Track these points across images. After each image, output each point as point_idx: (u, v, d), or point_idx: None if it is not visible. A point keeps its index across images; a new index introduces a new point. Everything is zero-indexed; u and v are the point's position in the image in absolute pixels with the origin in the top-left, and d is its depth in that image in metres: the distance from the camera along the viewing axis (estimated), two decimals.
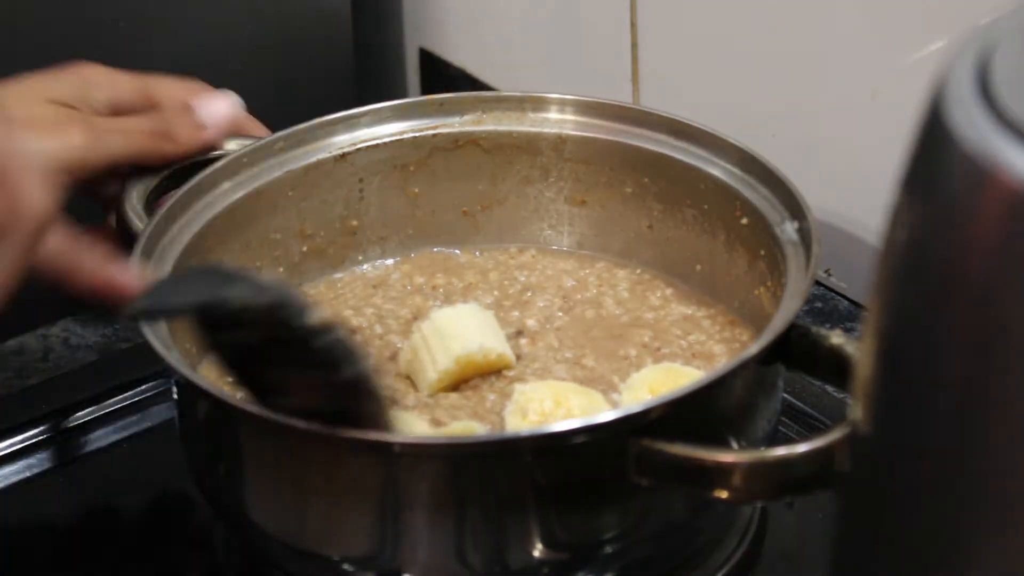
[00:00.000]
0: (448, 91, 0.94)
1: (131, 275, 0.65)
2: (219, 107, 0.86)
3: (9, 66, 1.01)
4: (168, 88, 0.86)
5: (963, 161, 0.42)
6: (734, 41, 0.98)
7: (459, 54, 1.23)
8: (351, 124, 0.89)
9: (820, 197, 0.94)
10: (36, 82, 0.83)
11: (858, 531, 0.50)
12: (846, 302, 0.97)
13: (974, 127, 0.42)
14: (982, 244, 0.42)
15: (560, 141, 0.89)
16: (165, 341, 0.72)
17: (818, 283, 0.98)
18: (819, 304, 0.97)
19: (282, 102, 1.08)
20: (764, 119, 0.97)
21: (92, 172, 0.81)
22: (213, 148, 0.85)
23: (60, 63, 1.03)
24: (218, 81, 1.09)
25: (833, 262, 0.97)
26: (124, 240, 0.81)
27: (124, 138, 0.82)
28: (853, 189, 0.93)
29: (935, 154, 0.43)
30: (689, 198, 0.86)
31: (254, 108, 0.98)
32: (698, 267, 0.87)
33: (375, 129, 0.89)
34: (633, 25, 1.04)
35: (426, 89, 1.27)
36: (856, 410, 0.50)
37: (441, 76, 1.25)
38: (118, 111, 0.85)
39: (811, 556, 0.78)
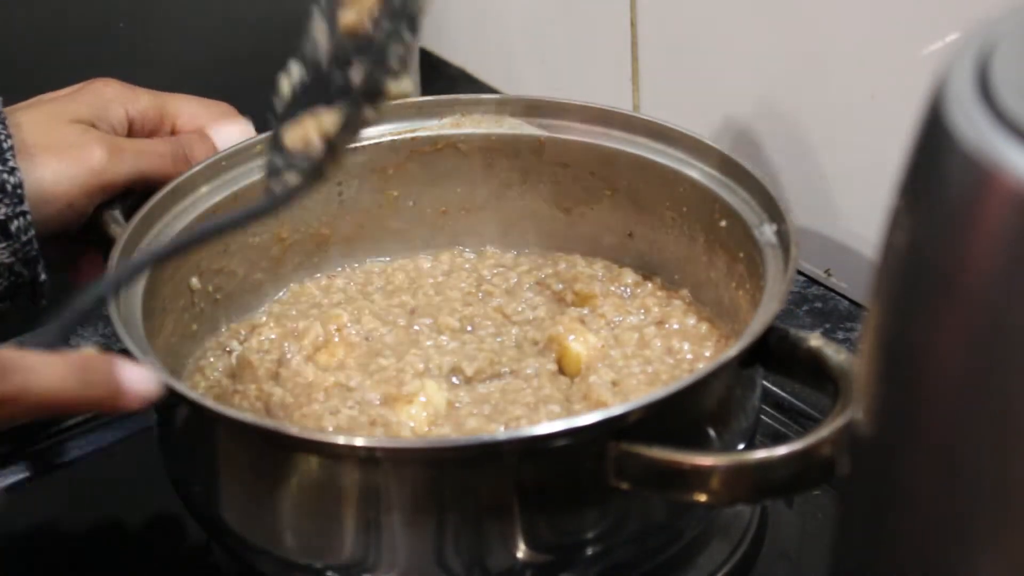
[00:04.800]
0: (448, 91, 0.94)
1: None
2: (234, 133, 0.87)
3: (8, 66, 1.01)
4: (185, 106, 0.87)
5: (963, 161, 0.42)
6: (734, 41, 0.98)
7: (459, 54, 1.23)
8: None
9: (820, 197, 0.94)
10: (55, 104, 0.84)
11: (858, 532, 0.50)
12: (846, 302, 0.97)
13: (974, 127, 0.42)
14: (982, 244, 0.42)
15: (539, 144, 0.89)
16: (142, 346, 0.72)
17: (818, 283, 0.98)
18: (819, 304, 0.97)
19: None
20: (763, 119, 0.97)
21: (112, 192, 0.82)
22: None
23: (59, 63, 1.03)
24: (218, 81, 1.08)
25: (833, 262, 0.97)
26: (100, 246, 0.81)
27: (144, 159, 0.83)
28: (853, 189, 0.93)
29: (935, 154, 0.43)
30: (668, 201, 0.86)
31: (254, 108, 0.98)
32: (677, 269, 0.87)
33: None
34: (633, 24, 1.04)
35: (426, 89, 1.27)
36: (857, 410, 0.50)
37: (441, 76, 1.24)
38: (136, 127, 0.86)
39: (810, 557, 0.78)
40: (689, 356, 0.81)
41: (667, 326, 0.84)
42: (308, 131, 0.70)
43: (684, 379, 0.70)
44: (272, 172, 0.71)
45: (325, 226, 0.90)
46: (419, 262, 0.92)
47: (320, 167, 0.70)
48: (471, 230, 0.93)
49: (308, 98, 0.70)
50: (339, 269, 0.91)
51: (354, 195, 0.90)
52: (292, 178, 0.70)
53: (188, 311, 0.83)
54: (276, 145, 0.71)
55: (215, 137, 0.86)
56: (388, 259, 0.92)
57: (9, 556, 0.83)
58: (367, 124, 0.69)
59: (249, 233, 0.87)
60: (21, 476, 0.87)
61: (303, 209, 0.89)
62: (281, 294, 0.89)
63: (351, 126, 0.68)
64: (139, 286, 0.77)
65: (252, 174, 0.86)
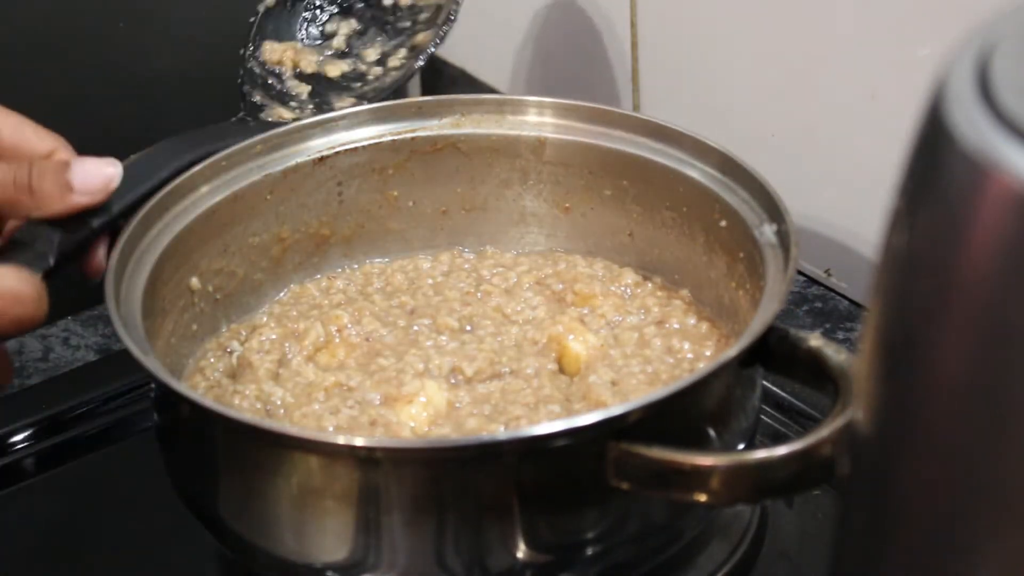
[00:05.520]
0: (448, 91, 0.94)
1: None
2: (95, 172, 0.75)
3: (10, 65, 1.01)
4: (29, 135, 0.77)
5: (963, 161, 0.42)
6: (734, 41, 0.99)
7: (459, 54, 1.23)
8: (329, 128, 0.89)
9: (819, 197, 0.95)
10: None
11: (859, 532, 0.50)
12: (846, 302, 0.97)
13: (974, 127, 0.42)
14: (982, 244, 0.42)
15: (539, 144, 0.89)
16: (142, 346, 0.72)
17: (818, 283, 0.98)
18: (819, 304, 0.97)
19: None
20: (763, 119, 0.98)
21: None
22: (84, 213, 0.75)
23: (61, 62, 1.03)
24: (223, 80, 1.08)
25: (833, 262, 0.97)
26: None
27: None
28: (853, 189, 0.93)
29: (935, 154, 0.43)
30: (668, 200, 0.86)
31: None
32: (677, 269, 0.87)
33: (353, 132, 0.89)
34: (633, 25, 1.04)
35: (426, 89, 1.27)
36: (857, 410, 0.50)
37: (441, 76, 1.24)
38: None
39: (810, 557, 0.78)
40: (689, 356, 0.81)
41: (667, 326, 0.84)
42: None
43: (684, 379, 0.70)
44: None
45: (325, 226, 0.90)
46: (418, 262, 0.91)
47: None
48: (471, 230, 0.93)
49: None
50: (339, 270, 0.91)
51: (354, 195, 0.90)
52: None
53: (188, 311, 0.83)
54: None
55: (74, 170, 0.74)
56: (387, 259, 0.92)
57: (10, 556, 0.83)
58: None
59: (249, 233, 0.87)
60: (46, 466, 0.88)
61: (303, 208, 0.89)
62: (281, 294, 0.89)
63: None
64: (139, 286, 0.77)
65: (251, 174, 0.86)
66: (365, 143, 0.89)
